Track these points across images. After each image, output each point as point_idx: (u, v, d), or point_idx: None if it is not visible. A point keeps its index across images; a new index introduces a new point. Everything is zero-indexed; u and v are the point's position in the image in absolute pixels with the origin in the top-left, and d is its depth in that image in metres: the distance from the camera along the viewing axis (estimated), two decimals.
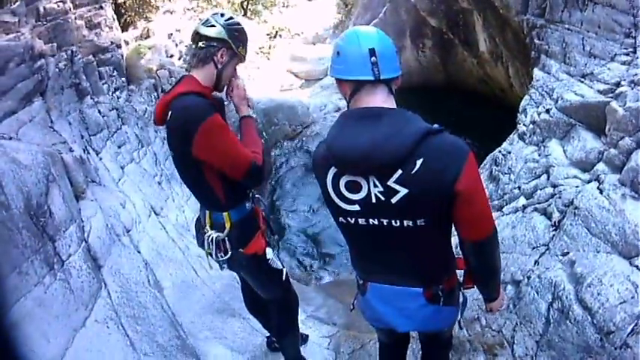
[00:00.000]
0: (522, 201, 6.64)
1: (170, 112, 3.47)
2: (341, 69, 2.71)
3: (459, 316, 3.24)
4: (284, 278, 4.33)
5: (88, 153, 8.65)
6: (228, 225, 3.78)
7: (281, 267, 4.25)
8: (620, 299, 4.21)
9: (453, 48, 20.15)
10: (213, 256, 3.90)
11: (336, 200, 2.76)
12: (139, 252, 7.54)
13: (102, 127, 9.91)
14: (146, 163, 11.16)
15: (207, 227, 3.88)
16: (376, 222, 2.69)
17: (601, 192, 5.24)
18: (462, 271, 3.12)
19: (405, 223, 2.62)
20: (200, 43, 3.62)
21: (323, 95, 25.78)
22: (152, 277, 7.06)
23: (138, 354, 5.42)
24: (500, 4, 10.72)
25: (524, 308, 5.17)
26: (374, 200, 2.61)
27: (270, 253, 4.05)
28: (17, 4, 9.67)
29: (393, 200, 2.56)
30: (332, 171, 2.72)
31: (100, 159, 9.17)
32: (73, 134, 8.50)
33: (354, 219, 2.75)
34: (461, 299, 3.20)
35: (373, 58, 2.57)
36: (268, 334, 5.85)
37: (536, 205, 6.22)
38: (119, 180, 9.31)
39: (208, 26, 3.62)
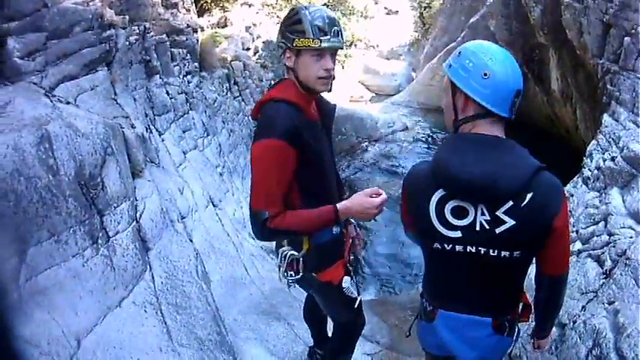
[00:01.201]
0: (578, 245, 6.55)
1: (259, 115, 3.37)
2: (481, 92, 2.63)
3: (512, 347, 3.26)
4: (357, 305, 3.99)
5: (151, 132, 8.41)
6: (306, 247, 3.55)
7: (356, 295, 3.92)
8: None
9: (525, 82, 19.80)
10: (282, 273, 3.69)
11: (436, 224, 2.74)
12: (191, 240, 7.29)
13: (168, 109, 9.65)
14: (210, 152, 10.99)
15: (285, 242, 3.65)
16: (474, 249, 2.71)
17: None
18: (522, 304, 3.20)
19: (503, 253, 2.68)
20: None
21: (392, 111, 25.95)
22: (201, 269, 6.81)
23: (173, 343, 5.18)
24: (578, 45, 10.70)
25: (566, 351, 5.24)
26: (478, 228, 2.66)
27: (347, 281, 3.77)
28: None
29: (498, 230, 2.62)
30: (438, 194, 2.72)
31: (163, 140, 8.91)
32: (136, 110, 8.21)
33: (451, 245, 2.75)
34: (516, 331, 3.22)
35: (516, 100, 2.67)
36: (312, 345, 5.52)
37: (591, 252, 6.16)
38: (180, 165, 9.06)
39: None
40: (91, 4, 7.32)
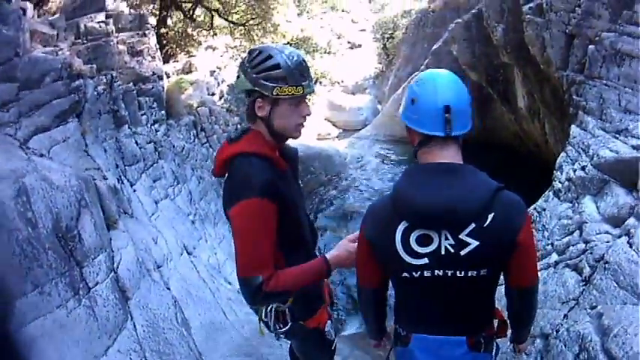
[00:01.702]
0: (554, 257, 6.56)
1: (227, 172, 3.08)
2: (413, 118, 2.75)
3: None
4: (333, 348, 3.95)
5: (122, 183, 8.46)
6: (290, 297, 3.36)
7: (333, 338, 3.87)
8: None
9: (491, 103, 20.41)
10: (271, 327, 3.52)
11: (403, 255, 2.75)
12: (168, 289, 7.33)
13: (138, 159, 9.72)
14: (181, 200, 11.00)
15: None
16: (441, 273, 2.72)
17: (630, 246, 5.25)
18: (498, 320, 3.24)
19: (470, 273, 2.70)
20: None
21: (360, 146, 25.85)
22: (180, 316, 6.84)
23: None
24: (541, 60, 10.84)
25: None
26: (443, 252, 2.66)
27: (328, 325, 3.71)
28: (56, 16, 9.56)
29: (463, 252, 2.63)
30: (402, 225, 2.73)
31: (134, 191, 8.98)
32: (107, 162, 8.31)
33: (419, 272, 2.76)
34: (494, 347, 3.21)
35: (447, 115, 2.63)
36: None
37: (568, 262, 6.15)
38: (152, 214, 9.09)
39: (237, 78, 3.11)
40: (59, 53, 7.42)
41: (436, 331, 2.95)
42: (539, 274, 6.31)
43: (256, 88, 2.92)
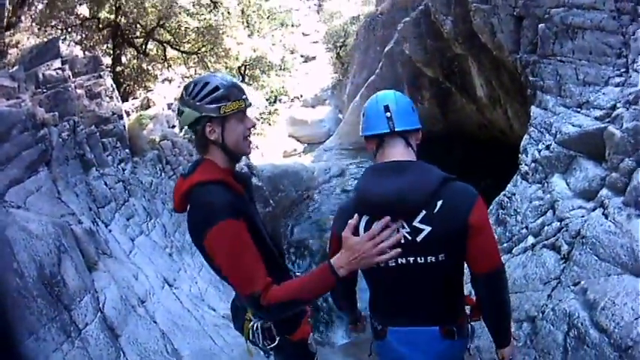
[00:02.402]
0: (531, 240, 6.65)
1: (188, 205, 3.12)
2: (365, 127, 3.16)
3: (470, 344, 3.44)
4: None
5: (97, 225, 8.58)
6: None
7: (315, 350, 3.90)
8: (635, 315, 4.28)
9: (451, 96, 20.50)
10: (260, 344, 3.54)
11: None
12: (155, 322, 7.44)
13: (109, 200, 9.87)
14: (156, 235, 11.09)
15: (250, 314, 3.51)
16: (404, 261, 2.92)
17: (606, 217, 5.30)
18: (470, 306, 3.38)
19: (429, 258, 2.90)
20: (190, 134, 3.22)
21: (327, 157, 25.78)
22: (170, 346, 6.97)
23: None
24: (493, 46, 10.88)
25: (542, 342, 5.23)
26: (403, 240, 2.85)
27: (310, 337, 3.76)
28: (16, 68, 9.68)
29: (419, 238, 2.85)
30: (364, 220, 2.97)
31: (110, 231, 9.08)
32: (80, 206, 8.44)
33: (385, 262, 2.89)
34: (469, 331, 3.37)
35: (388, 113, 3.03)
36: None
37: (545, 242, 6.25)
38: (130, 252, 9.22)
39: (180, 115, 3.16)
40: (22, 104, 7.51)
41: (409, 322, 3.14)
42: (516, 260, 6.53)
43: (204, 114, 3.04)
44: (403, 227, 2.87)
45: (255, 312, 3.17)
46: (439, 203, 2.82)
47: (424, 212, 2.83)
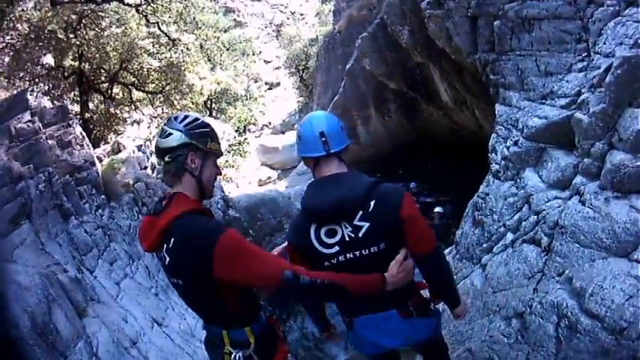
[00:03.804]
0: (510, 236, 6.69)
1: (172, 239, 3.02)
2: (302, 149, 3.57)
3: (438, 327, 3.95)
4: None
5: (82, 272, 8.68)
6: (252, 340, 3.37)
7: None
8: (625, 296, 4.28)
9: (417, 105, 20.47)
10: None
11: (320, 249, 3.41)
12: None
13: (91, 247, 9.99)
14: (140, 276, 11.16)
15: (228, 347, 3.41)
16: (351, 255, 3.35)
17: (583, 204, 5.29)
18: (428, 290, 3.85)
19: (372, 249, 3.32)
20: (166, 158, 3.16)
21: (301, 181, 25.92)
22: None
23: None
24: (450, 50, 10.97)
25: (533, 336, 5.22)
26: (347, 239, 3.33)
27: (289, 358, 3.79)
28: None
29: (360, 234, 3.30)
30: (313, 227, 3.43)
31: (95, 277, 9.18)
32: (64, 255, 8.56)
33: (335, 259, 3.38)
34: (434, 311, 3.85)
35: (323, 138, 3.43)
36: None
37: (524, 237, 6.28)
38: (117, 296, 9.33)
39: (166, 136, 3.15)
40: None
41: (369, 310, 3.57)
42: (497, 258, 6.61)
43: (193, 142, 3.12)
44: (346, 227, 3.32)
45: (294, 293, 3.13)
46: (372, 203, 3.26)
47: (361, 212, 3.27)
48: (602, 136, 5.29)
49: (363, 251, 3.34)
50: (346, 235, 3.34)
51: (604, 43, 5.84)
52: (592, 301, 4.52)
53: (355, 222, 3.30)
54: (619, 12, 5.80)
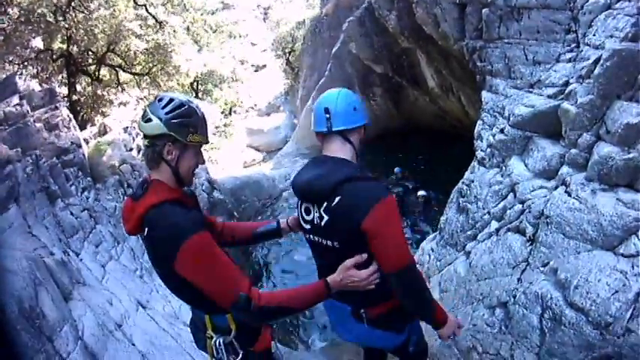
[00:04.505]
0: (494, 224, 6.62)
1: (147, 228, 3.00)
2: (312, 123, 3.49)
3: (407, 342, 3.75)
4: None
5: (69, 255, 8.65)
6: (233, 326, 3.35)
7: (281, 358, 3.97)
8: (611, 290, 4.30)
9: (403, 90, 20.63)
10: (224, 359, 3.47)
11: (302, 222, 3.49)
12: (133, 344, 7.54)
13: (77, 229, 9.99)
14: (125, 259, 11.17)
15: (210, 332, 3.44)
16: (316, 239, 3.38)
17: (569, 194, 5.27)
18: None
19: (327, 242, 3.28)
20: (145, 142, 3.10)
21: (286, 164, 25.87)
22: None
23: None
24: (437, 36, 10.98)
25: (517, 326, 5.22)
26: (315, 222, 3.30)
27: (274, 345, 3.77)
28: None
29: (322, 223, 3.23)
30: (299, 201, 3.49)
31: (81, 260, 9.17)
32: (51, 238, 8.55)
33: (309, 235, 3.47)
34: (410, 327, 3.70)
35: (327, 115, 3.34)
36: None
37: (509, 225, 6.24)
38: (102, 278, 9.33)
39: (146, 121, 3.04)
40: None
41: (337, 295, 3.33)
42: (481, 246, 6.58)
43: (172, 133, 2.99)
44: (316, 211, 3.28)
45: (244, 317, 3.09)
46: (337, 199, 3.09)
47: (326, 203, 3.16)
48: (590, 127, 5.29)
49: (322, 240, 3.33)
50: (316, 218, 3.29)
51: (594, 35, 5.79)
52: (577, 294, 4.55)
53: (321, 210, 3.21)
54: (610, 5, 5.72)
